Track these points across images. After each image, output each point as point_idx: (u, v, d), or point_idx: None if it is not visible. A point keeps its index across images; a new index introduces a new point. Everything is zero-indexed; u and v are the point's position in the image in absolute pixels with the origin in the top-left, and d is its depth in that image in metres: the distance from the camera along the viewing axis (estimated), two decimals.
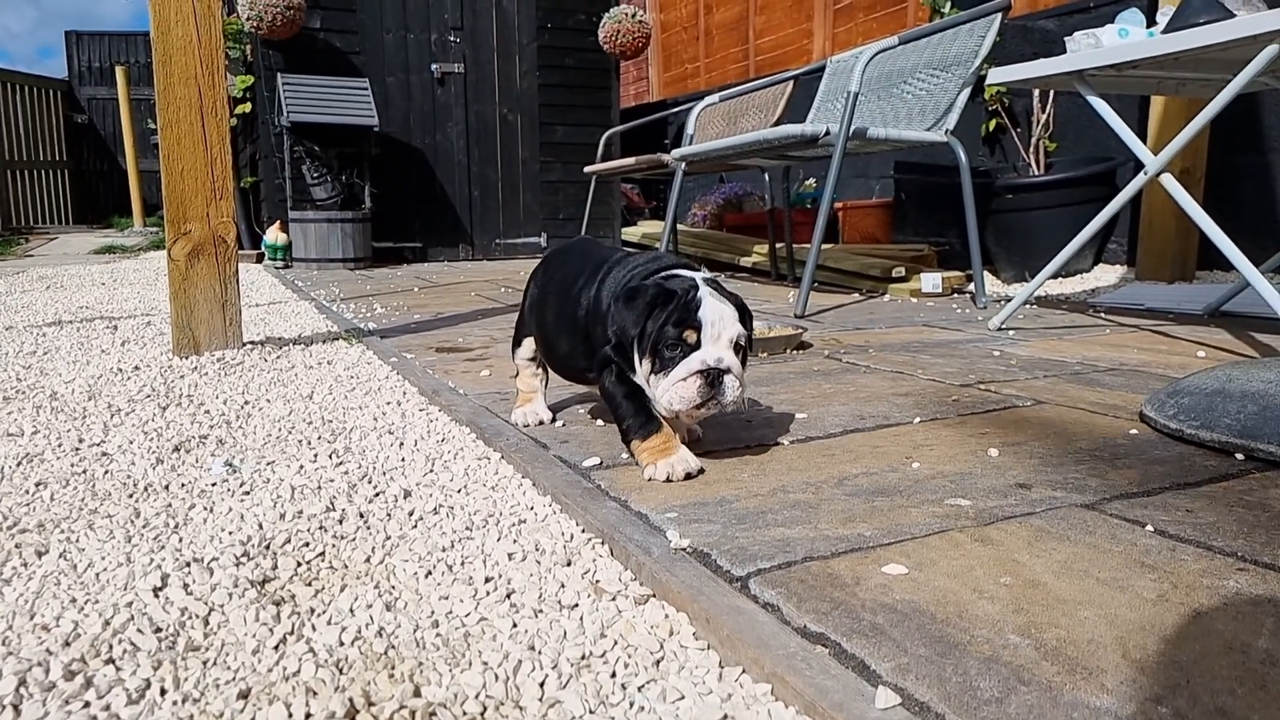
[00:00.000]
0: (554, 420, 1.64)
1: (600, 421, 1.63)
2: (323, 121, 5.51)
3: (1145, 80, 2.58)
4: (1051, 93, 4.38)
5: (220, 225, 2.24)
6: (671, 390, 1.24)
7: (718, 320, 1.25)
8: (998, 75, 2.62)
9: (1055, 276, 4.24)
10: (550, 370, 1.60)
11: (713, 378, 1.22)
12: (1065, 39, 2.52)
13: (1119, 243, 4.41)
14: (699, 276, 1.32)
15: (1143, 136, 3.79)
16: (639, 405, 1.30)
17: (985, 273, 4.13)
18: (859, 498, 1.17)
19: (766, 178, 4.96)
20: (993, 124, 4.75)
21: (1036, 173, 4.39)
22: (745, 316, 1.32)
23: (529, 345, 1.61)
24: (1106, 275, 4.32)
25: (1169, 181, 2.28)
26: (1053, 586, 0.88)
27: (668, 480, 1.26)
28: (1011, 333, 2.72)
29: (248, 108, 6.07)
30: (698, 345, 1.23)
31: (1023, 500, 1.15)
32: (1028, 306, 3.42)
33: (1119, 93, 2.78)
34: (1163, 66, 2.36)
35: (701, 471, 1.28)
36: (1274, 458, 1.29)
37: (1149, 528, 1.04)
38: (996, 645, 0.77)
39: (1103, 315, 3.12)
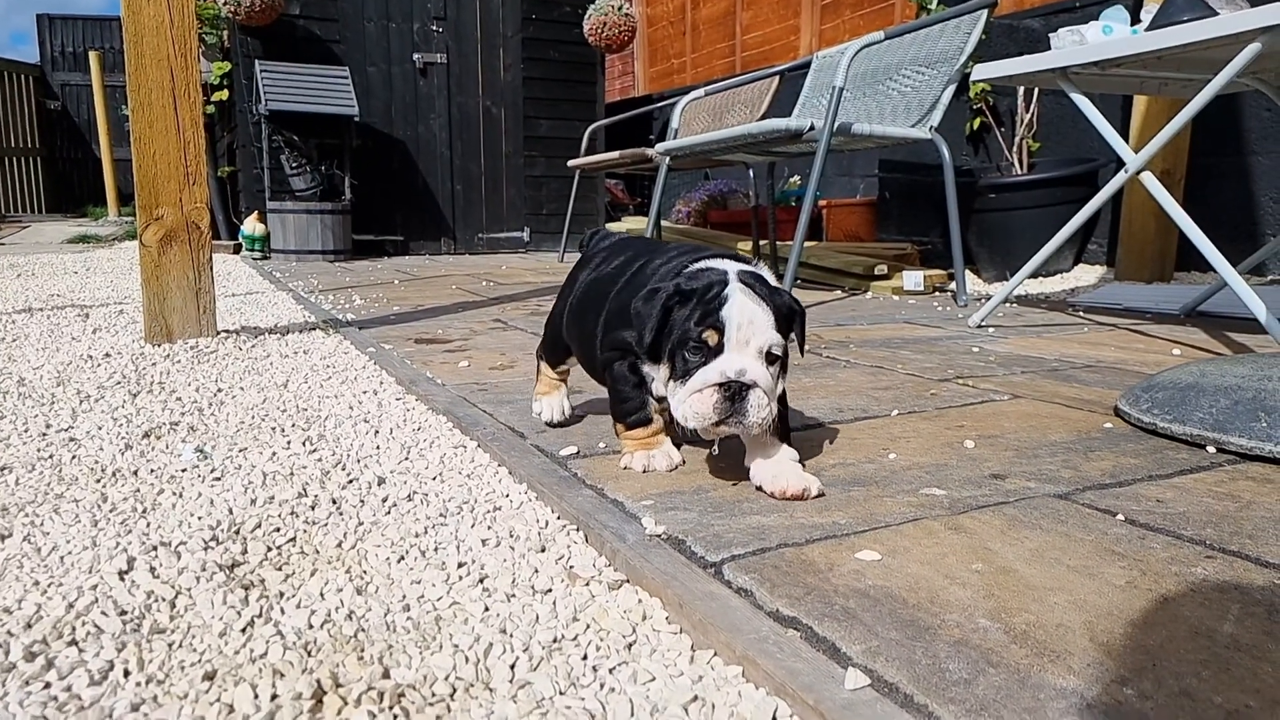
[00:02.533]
0: (577, 420, 1.54)
1: (580, 412, 1.63)
2: (302, 110, 5.47)
3: (1129, 80, 2.60)
4: (1036, 92, 4.41)
5: (194, 211, 2.21)
6: (687, 402, 1.08)
7: (745, 324, 1.07)
8: (982, 71, 2.63)
9: (1036, 276, 4.28)
10: (586, 372, 1.44)
11: (733, 392, 1.06)
12: (1050, 35, 2.53)
13: (1099, 243, 4.45)
14: (734, 269, 1.15)
15: (1125, 137, 3.82)
16: (641, 396, 1.22)
17: (967, 272, 4.16)
18: (835, 487, 1.17)
19: (751, 174, 4.97)
20: (977, 123, 4.77)
21: (1019, 172, 4.42)
22: (788, 319, 1.14)
23: (571, 359, 1.47)
24: (1086, 275, 4.36)
25: (1149, 180, 2.30)
26: (1024, 573, 0.89)
27: (644, 472, 1.22)
28: (991, 330, 2.74)
29: (225, 95, 6.01)
30: (720, 349, 1.08)
31: (997, 490, 1.16)
32: (1008, 305, 3.44)
33: (1103, 92, 2.80)
34: (1146, 65, 2.37)
35: (682, 464, 1.25)
36: (1244, 451, 1.30)
37: (1120, 517, 1.05)
38: (967, 629, 0.77)
39: (1081, 314, 3.15)
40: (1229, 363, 1.58)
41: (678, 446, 1.30)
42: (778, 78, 4.63)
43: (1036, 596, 0.83)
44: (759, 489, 1.15)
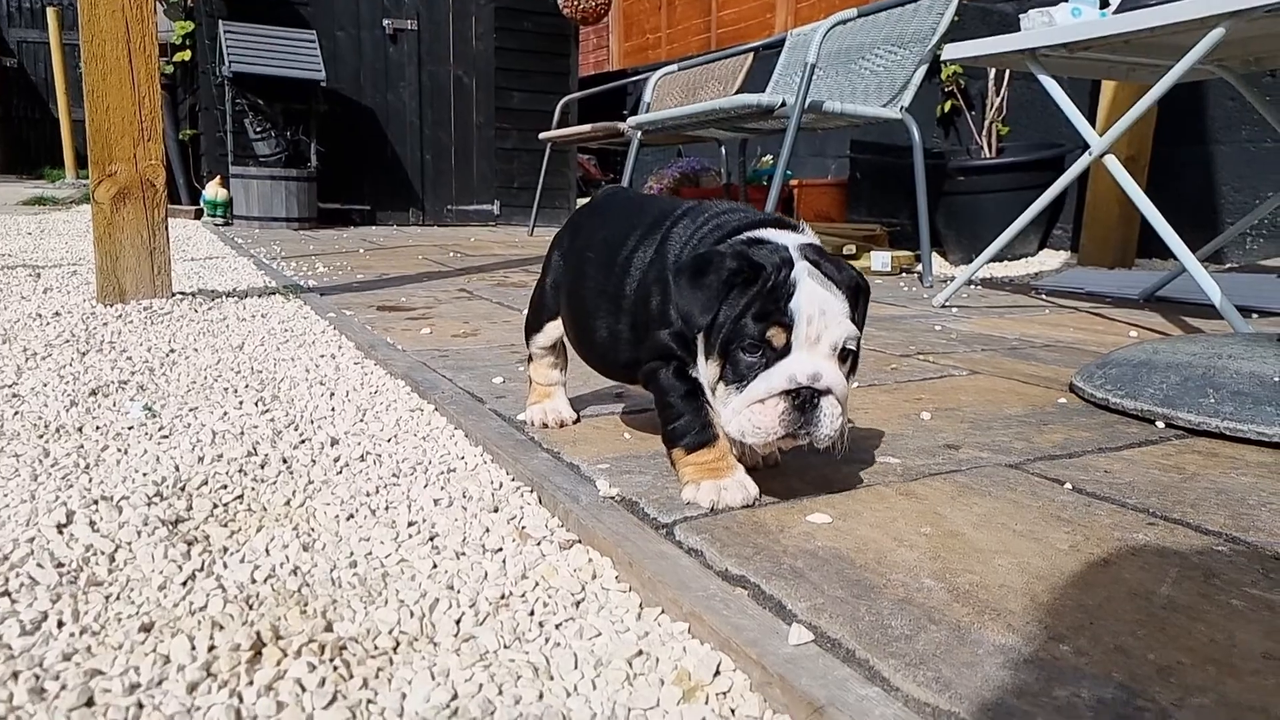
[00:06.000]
0: (577, 421, 1.32)
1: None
2: (267, 74, 5.34)
3: (1097, 64, 2.62)
4: (1006, 76, 4.43)
5: (149, 168, 2.15)
6: (744, 414, 0.90)
7: (818, 315, 0.89)
8: (952, 51, 2.63)
9: (1001, 259, 4.32)
10: (588, 366, 1.23)
11: (804, 400, 0.88)
12: (1020, 16, 2.54)
13: (1064, 229, 4.50)
14: (795, 242, 0.95)
15: (1092, 123, 3.86)
16: (695, 406, 0.99)
17: (935, 254, 4.19)
18: (791, 455, 1.17)
19: (723, 152, 4.96)
20: (948, 105, 4.79)
21: (988, 156, 4.44)
22: (858, 301, 0.96)
23: (551, 330, 1.27)
24: (1050, 260, 4.41)
25: (1112, 163, 2.32)
26: (970, 537, 0.90)
27: (713, 511, 0.95)
28: (955, 310, 2.76)
29: (187, 56, 5.86)
30: (786, 350, 0.89)
31: (949, 459, 1.17)
32: (972, 287, 3.48)
33: (1072, 75, 2.82)
34: (1114, 49, 2.39)
35: (757, 500, 0.98)
36: (1192, 426, 1.32)
37: (1068, 486, 1.06)
38: (911, 588, 0.77)
39: (1044, 297, 3.19)
40: (1182, 341, 1.60)
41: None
42: (752, 55, 4.61)
43: (982, 559, 0.84)
44: None
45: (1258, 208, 2.75)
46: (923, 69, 3.40)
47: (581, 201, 6.99)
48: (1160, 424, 1.37)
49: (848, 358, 0.93)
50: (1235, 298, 2.13)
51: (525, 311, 1.35)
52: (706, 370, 0.95)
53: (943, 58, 2.73)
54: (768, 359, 0.90)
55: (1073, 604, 0.75)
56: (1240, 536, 0.91)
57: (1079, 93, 4.06)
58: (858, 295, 0.96)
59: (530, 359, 1.33)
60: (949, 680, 0.63)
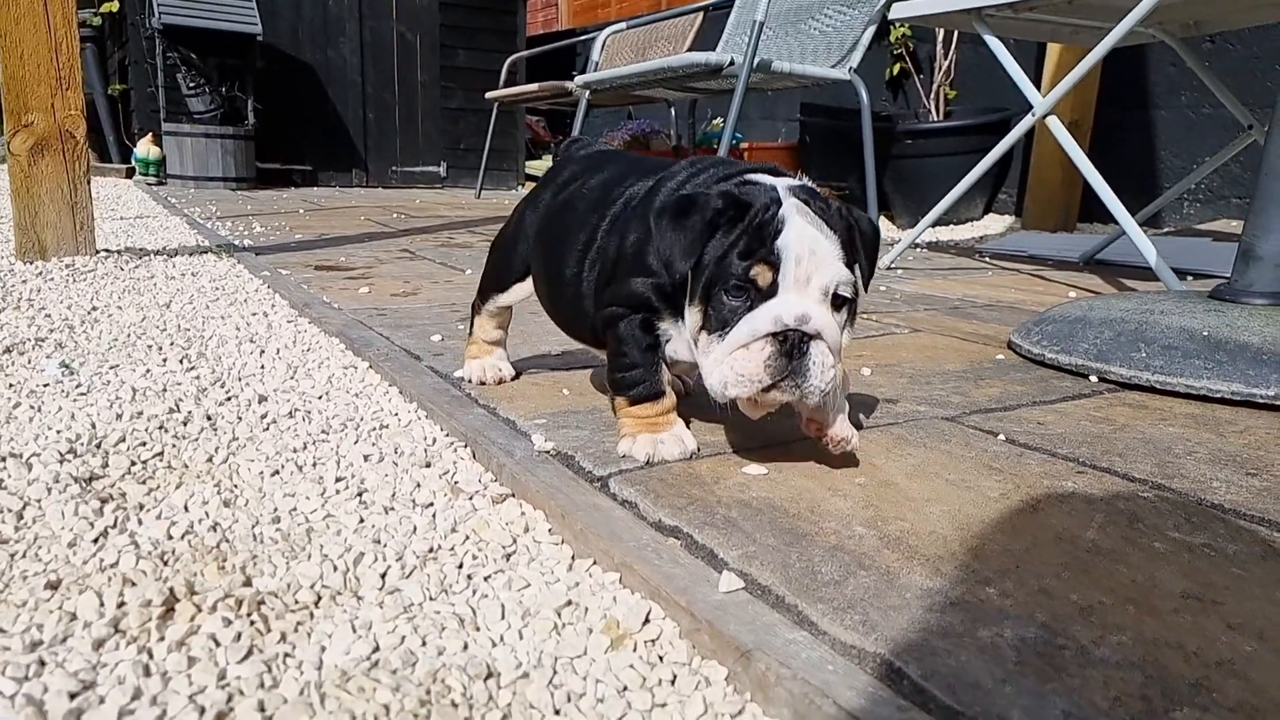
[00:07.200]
0: (516, 378, 1.30)
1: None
2: (199, 26, 5.12)
3: (1040, 25, 2.63)
4: (955, 39, 4.45)
5: (68, 119, 2.04)
6: (726, 363, 0.83)
7: (807, 255, 0.82)
8: (900, 10, 2.62)
9: (947, 224, 4.37)
10: (559, 327, 1.17)
11: (791, 345, 0.81)
12: None
13: (1009, 193, 4.56)
14: (784, 184, 0.90)
15: (1038, 86, 3.89)
16: (651, 360, 0.96)
17: (882, 217, 4.21)
18: (729, 408, 1.16)
19: (673, 114, 4.90)
20: (897, 68, 4.80)
21: (936, 119, 4.47)
22: (861, 245, 0.89)
23: (518, 291, 1.21)
24: (995, 224, 4.48)
25: (1054, 124, 2.34)
26: (904, 486, 0.90)
27: (648, 464, 0.94)
28: (900, 271, 2.79)
29: (115, 6, 5.59)
30: (773, 291, 0.83)
31: (887, 413, 1.18)
32: (918, 249, 3.51)
33: (1017, 37, 2.84)
34: (1057, 10, 2.40)
35: (695, 454, 0.97)
36: (1124, 379, 1.35)
37: (1001, 437, 1.08)
38: (843, 536, 0.77)
39: (987, 259, 3.23)
40: (1116, 298, 1.63)
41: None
42: (701, 14, 4.56)
43: (914, 507, 0.85)
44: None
45: (1194, 172, 2.81)
46: (871, 29, 3.38)
47: (531, 164, 6.88)
48: (1093, 378, 1.39)
49: (843, 305, 0.86)
50: (1171, 260, 2.17)
51: (484, 270, 1.27)
52: (689, 319, 0.89)
53: (890, 17, 2.72)
54: (753, 301, 0.83)
55: (1000, 549, 0.75)
56: (1165, 484, 0.93)
57: (1025, 57, 4.09)
58: (853, 236, 0.88)
59: (475, 314, 1.28)
60: (875, 623, 0.63)
